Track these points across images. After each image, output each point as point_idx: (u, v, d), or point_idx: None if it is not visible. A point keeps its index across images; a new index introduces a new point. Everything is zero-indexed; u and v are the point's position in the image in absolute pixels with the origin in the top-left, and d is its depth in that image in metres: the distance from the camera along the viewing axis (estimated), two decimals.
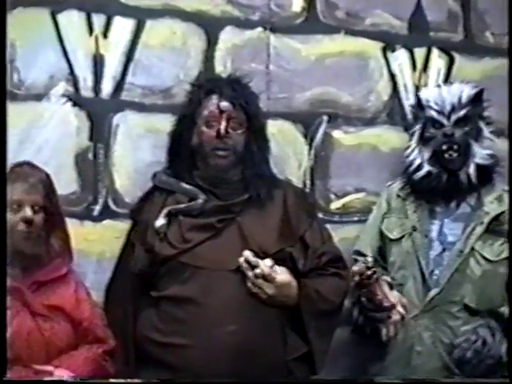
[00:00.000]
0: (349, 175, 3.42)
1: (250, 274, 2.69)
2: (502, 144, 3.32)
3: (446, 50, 3.59)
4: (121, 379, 2.63)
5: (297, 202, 2.94)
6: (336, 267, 2.89)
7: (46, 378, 2.55)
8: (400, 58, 3.54)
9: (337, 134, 3.47)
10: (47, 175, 2.76)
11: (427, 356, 2.94)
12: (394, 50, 3.54)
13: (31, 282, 2.68)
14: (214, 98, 2.90)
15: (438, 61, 3.57)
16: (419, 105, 3.14)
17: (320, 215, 3.27)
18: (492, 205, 3.00)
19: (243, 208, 2.87)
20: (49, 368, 2.57)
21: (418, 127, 3.12)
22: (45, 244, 2.73)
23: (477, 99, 3.09)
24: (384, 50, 3.52)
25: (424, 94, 3.14)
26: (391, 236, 3.07)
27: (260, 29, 3.39)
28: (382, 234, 3.11)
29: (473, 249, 2.96)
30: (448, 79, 3.55)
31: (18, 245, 2.65)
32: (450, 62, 3.58)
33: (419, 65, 3.56)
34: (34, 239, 2.67)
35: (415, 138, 3.11)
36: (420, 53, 3.57)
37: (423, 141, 3.07)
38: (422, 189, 3.04)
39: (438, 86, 3.20)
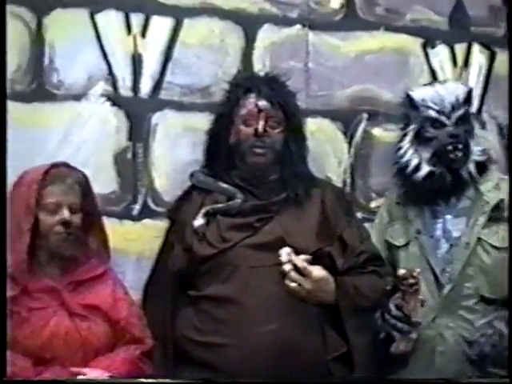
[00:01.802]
0: (389, 173, 3.38)
1: (287, 268, 2.65)
2: None
3: (488, 45, 3.55)
4: (157, 379, 2.62)
5: (335, 201, 2.93)
6: (374, 265, 2.88)
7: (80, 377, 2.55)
8: (440, 54, 3.51)
9: (377, 131, 3.45)
10: (84, 175, 2.75)
11: (451, 355, 2.90)
12: (434, 46, 3.51)
13: (68, 282, 2.68)
14: (252, 97, 2.89)
15: (479, 56, 3.54)
16: (412, 105, 3.08)
17: (360, 214, 3.26)
18: (491, 194, 2.98)
19: (281, 207, 2.86)
20: (84, 370, 2.56)
21: (412, 127, 3.04)
22: (82, 245, 2.73)
23: (469, 98, 3.06)
24: (424, 46, 3.50)
25: (418, 94, 3.06)
26: (397, 243, 3.04)
27: (298, 26, 3.39)
28: (387, 244, 3.08)
29: (479, 239, 2.93)
30: (490, 75, 3.51)
31: (56, 247, 2.66)
32: (492, 58, 3.54)
33: (460, 61, 3.52)
34: (71, 241, 2.67)
35: (408, 138, 3.03)
36: (461, 48, 3.53)
37: (421, 141, 3.01)
38: (424, 190, 3.00)
39: (430, 84, 3.13)
